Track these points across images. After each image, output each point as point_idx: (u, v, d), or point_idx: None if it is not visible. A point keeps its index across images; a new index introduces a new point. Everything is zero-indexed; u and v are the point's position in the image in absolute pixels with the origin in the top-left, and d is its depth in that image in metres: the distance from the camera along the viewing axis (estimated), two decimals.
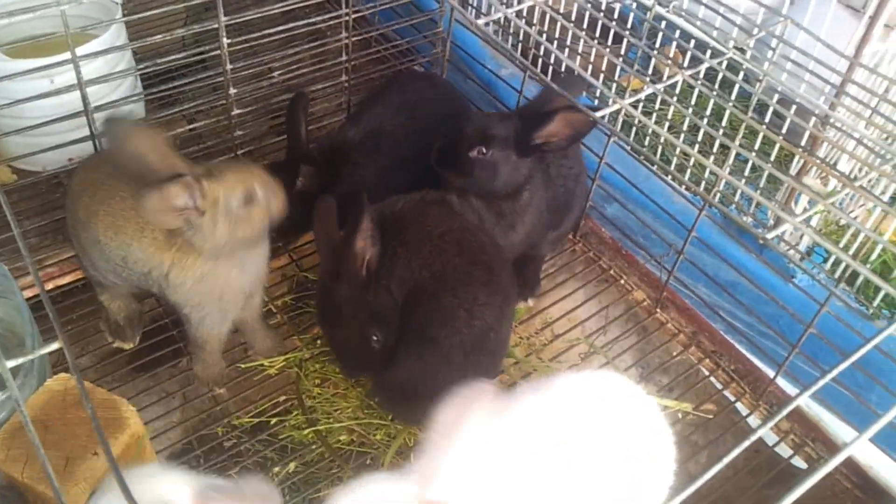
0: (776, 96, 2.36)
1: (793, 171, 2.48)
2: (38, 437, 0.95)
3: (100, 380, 2.13)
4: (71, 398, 1.67)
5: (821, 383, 1.12)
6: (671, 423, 2.18)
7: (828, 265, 2.43)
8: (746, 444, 1.01)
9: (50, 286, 2.35)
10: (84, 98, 2.13)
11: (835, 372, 1.14)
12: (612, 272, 2.59)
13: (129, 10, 2.68)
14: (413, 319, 1.97)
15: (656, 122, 2.71)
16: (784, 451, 2.19)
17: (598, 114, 1.60)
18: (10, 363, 0.94)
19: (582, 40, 2.90)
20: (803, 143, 2.35)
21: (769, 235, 1.41)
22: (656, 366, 2.37)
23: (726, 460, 1.01)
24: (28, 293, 2.10)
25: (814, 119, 2.26)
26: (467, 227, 2.09)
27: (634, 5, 2.68)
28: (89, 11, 2.70)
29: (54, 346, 0.96)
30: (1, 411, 1.67)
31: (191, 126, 2.64)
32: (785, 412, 1.07)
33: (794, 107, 2.37)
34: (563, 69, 2.96)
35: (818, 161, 2.25)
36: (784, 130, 2.46)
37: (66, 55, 2.06)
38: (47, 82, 2.30)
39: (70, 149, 2.29)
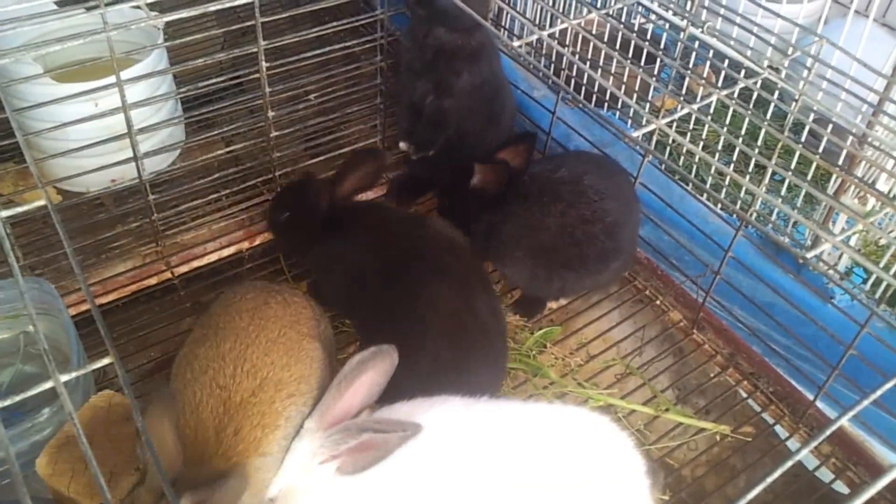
0: (812, 115, 2.35)
1: (830, 190, 2.46)
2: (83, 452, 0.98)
3: (141, 397, 2.15)
4: (114, 414, 1.70)
5: (862, 405, 1.10)
6: (709, 446, 2.18)
7: (867, 285, 2.40)
8: (787, 466, 1.00)
9: None
10: (128, 121, 2.19)
11: (877, 394, 1.13)
12: (647, 292, 2.58)
13: (169, 34, 2.75)
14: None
15: (690, 142, 2.70)
16: (825, 475, 2.15)
17: (634, 134, 1.62)
18: (64, 377, 0.97)
19: (615, 61, 2.91)
20: (840, 162, 2.33)
21: (809, 255, 1.41)
22: (693, 387, 2.35)
23: (764, 483, 1.00)
24: (71, 311, 2.15)
25: (851, 138, 2.24)
26: (419, 229, 2.24)
27: (667, 26, 2.69)
28: (133, 37, 2.77)
29: (106, 360, 0.99)
30: (47, 427, 1.71)
31: (229, 148, 2.70)
32: (826, 434, 1.06)
33: (830, 126, 2.35)
34: (596, 89, 2.97)
35: (856, 180, 2.23)
36: (821, 149, 2.44)
37: (111, 79, 2.12)
38: (91, 105, 2.36)
39: (113, 170, 2.35)
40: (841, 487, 2.13)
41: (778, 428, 2.25)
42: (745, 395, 2.32)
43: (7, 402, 0.92)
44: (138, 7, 1.93)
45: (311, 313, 1.86)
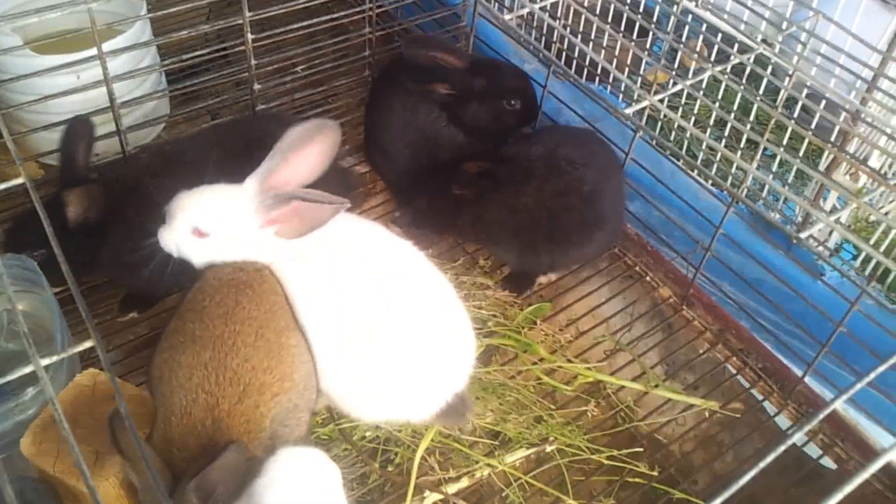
0: (805, 91, 2.32)
1: (822, 166, 2.44)
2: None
3: (126, 374, 2.13)
4: (100, 393, 1.68)
5: (857, 387, 1.10)
6: (697, 422, 2.19)
7: (857, 262, 2.39)
8: (781, 449, 0.99)
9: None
10: (110, 94, 2.14)
11: (872, 375, 1.12)
12: (637, 269, 2.57)
13: (152, 5, 2.69)
14: None
15: (682, 117, 2.67)
16: (812, 450, 2.17)
17: (627, 111, 1.60)
18: (44, 361, 0.95)
19: (607, 34, 2.87)
20: (833, 139, 2.32)
21: (802, 235, 1.39)
22: (682, 363, 2.35)
23: (762, 465, 0.99)
24: (56, 288, 2.11)
25: (844, 114, 2.22)
26: None
27: None
28: (115, 7, 2.70)
29: (87, 344, 0.97)
30: (31, 406, 1.69)
31: (214, 122, 2.65)
32: (820, 417, 1.06)
33: (823, 102, 2.33)
34: (587, 63, 2.93)
35: (848, 157, 2.21)
36: (813, 126, 2.42)
37: (93, 51, 2.07)
38: (74, 78, 2.31)
39: (95, 144, 2.30)
40: (828, 463, 2.14)
41: (766, 404, 2.26)
42: (733, 371, 2.33)
43: None
44: None
45: (284, 299, 1.78)
